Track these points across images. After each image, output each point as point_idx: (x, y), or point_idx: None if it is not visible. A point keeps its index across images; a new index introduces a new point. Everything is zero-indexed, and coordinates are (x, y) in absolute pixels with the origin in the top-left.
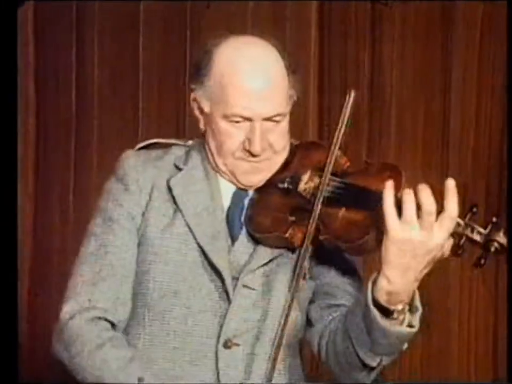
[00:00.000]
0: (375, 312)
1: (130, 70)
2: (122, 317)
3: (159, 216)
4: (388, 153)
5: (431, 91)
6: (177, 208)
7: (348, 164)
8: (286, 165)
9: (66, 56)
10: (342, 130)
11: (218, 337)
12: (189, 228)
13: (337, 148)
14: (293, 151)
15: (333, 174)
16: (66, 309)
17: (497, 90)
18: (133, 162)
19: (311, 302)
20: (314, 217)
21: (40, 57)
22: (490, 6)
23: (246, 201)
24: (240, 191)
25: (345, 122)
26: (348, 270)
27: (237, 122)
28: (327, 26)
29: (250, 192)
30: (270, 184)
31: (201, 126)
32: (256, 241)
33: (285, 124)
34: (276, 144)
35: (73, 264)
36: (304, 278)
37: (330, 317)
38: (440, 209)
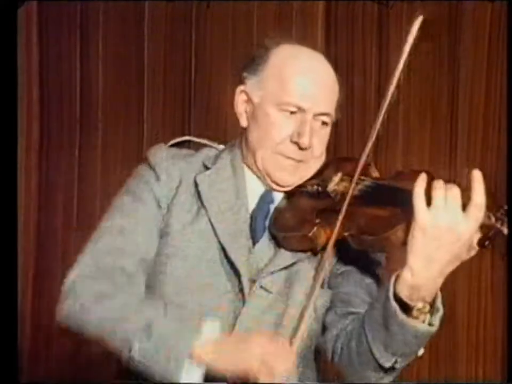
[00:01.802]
0: (394, 305)
1: (135, 71)
2: (136, 269)
3: (183, 212)
4: (395, 154)
5: (438, 92)
6: (201, 205)
7: (377, 173)
8: (319, 174)
9: (71, 58)
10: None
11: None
12: (212, 225)
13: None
14: (326, 163)
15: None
16: (75, 272)
17: (505, 91)
18: (165, 154)
19: (328, 309)
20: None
21: (44, 59)
22: (499, 5)
23: (272, 206)
24: (268, 195)
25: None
26: (367, 281)
27: (290, 113)
28: (334, 27)
29: (277, 198)
30: (298, 191)
31: (243, 121)
32: (278, 244)
33: (328, 130)
34: (316, 148)
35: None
36: (322, 286)
37: (347, 321)
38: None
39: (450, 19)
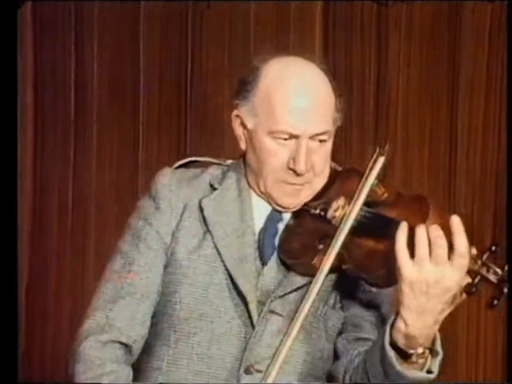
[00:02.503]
0: (391, 355)
1: (130, 72)
2: (138, 337)
3: (189, 237)
4: (394, 157)
5: (438, 93)
6: (207, 229)
7: (386, 194)
8: (324, 190)
9: (65, 59)
10: (379, 164)
11: (241, 362)
12: (217, 250)
13: (371, 178)
14: (333, 176)
15: (365, 203)
16: (84, 327)
17: (505, 92)
18: (167, 181)
19: (340, 333)
20: (335, 245)
21: (38, 60)
22: (499, 5)
23: (280, 225)
24: (275, 214)
25: (382, 159)
26: (377, 302)
27: (283, 139)
28: (332, 27)
29: (285, 216)
30: (305, 209)
31: (242, 144)
32: (287, 267)
33: (328, 146)
34: (317, 166)
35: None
36: (334, 307)
37: (356, 352)
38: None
39: (450, 19)
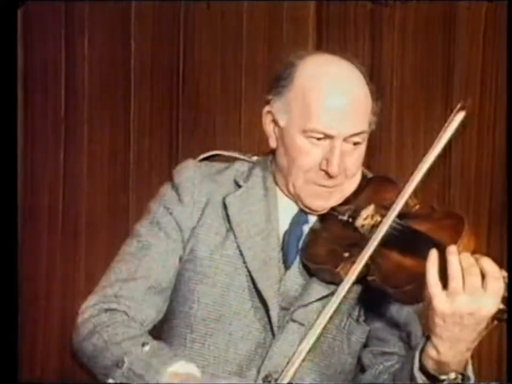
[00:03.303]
0: (420, 380)
1: (121, 70)
2: (146, 319)
3: (211, 234)
4: (388, 156)
5: (432, 93)
6: (230, 227)
7: (418, 206)
8: (353, 196)
9: (56, 58)
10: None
11: (259, 370)
12: (240, 251)
13: (449, 131)
14: (364, 182)
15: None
16: (92, 300)
17: (500, 92)
18: (191, 174)
19: (365, 346)
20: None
21: (28, 59)
22: (494, 6)
23: (305, 228)
24: (301, 216)
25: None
26: (403, 314)
27: (317, 139)
28: (325, 27)
29: (311, 219)
30: (332, 213)
31: (272, 142)
32: (309, 272)
33: (362, 148)
34: (350, 169)
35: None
36: (357, 320)
37: (382, 366)
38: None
39: (445, 18)
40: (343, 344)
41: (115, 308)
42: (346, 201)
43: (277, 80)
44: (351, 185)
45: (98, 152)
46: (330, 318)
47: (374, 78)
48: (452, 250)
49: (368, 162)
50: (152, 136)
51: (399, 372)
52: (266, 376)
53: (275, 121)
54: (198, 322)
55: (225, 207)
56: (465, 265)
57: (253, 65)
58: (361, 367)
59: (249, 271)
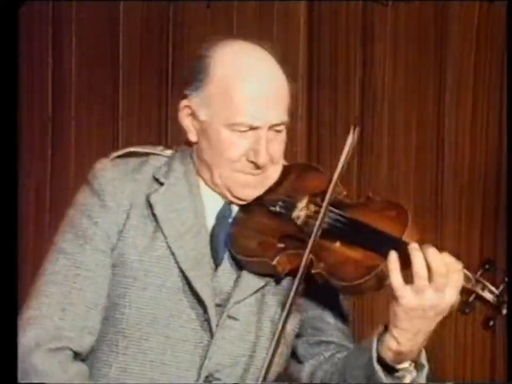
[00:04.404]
0: (380, 373)
1: (109, 68)
2: (88, 346)
3: (139, 236)
4: (380, 154)
5: (424, 91)
6: (157, 227)
7: (345, 193)
8: (277, 185)
9: (42, 56)
10: (344, 161)
11: (200, 371)
12: (171, 251)
13: (335, 177)
14: (285, 171)
15: (331, 204)
16: (32, 335)
17: (493, 91)
18: (110, 175)
19: (299, 336)
20: (309, 249)
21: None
22: (487, 5)
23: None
24: (226, 209)
25: (349, 154)
26: (337, 303)
27: (242, 131)
28: (317, 26)
29: (235, 209)
30: (258, 203)
31: (192, 136)
32: (240, 265)
33: (284, 134)
34: (275, 155)
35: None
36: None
37: (322, 357)
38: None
39: (437, 18)
40: (282, 336)
41: (57, 347)
42: (273, 191)
43: (192, 74)
44: (276, 171)
45: (86, 150)
46: (286, 318)
47: (365, 77)
48: (415, 247)
49: (360, 163)
50: (141, 135)
51: (347, 362)
52: (207, 377)
53: (194, 115)
54: (131, 327)
55: (150, 206)
56: (434, 266)
57: None
58: (297, 358)
59: (182, 271)
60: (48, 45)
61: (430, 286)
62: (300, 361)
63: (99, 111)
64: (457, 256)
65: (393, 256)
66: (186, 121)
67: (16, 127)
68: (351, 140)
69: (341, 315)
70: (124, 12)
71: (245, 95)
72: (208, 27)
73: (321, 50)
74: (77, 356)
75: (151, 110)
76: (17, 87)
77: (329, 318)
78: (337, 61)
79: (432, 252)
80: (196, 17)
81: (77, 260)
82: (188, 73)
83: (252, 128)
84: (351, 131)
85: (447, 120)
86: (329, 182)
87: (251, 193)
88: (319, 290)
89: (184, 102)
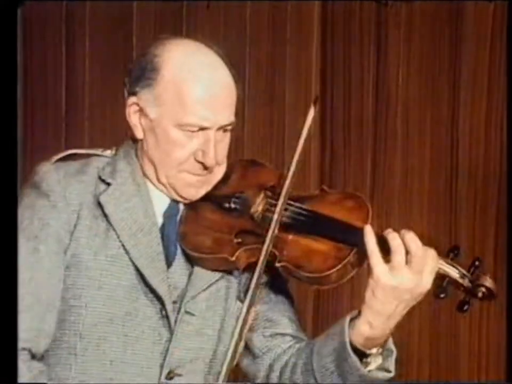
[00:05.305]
0: (355, 359)
1: (123, 70)
2: (43, 349)
3: (91, 236)
4: (394, 157)
5: (438, 92)
6: (109, 226)
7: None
8: (224, 182)
9: (56, 57)
10: (299, 151)
11: (161, 368)
12: (125, 249)
13: (292, 170)
14: (231, 167)
15: (288, 198)
16: None
17: (508, 91)
18: (55, 176)
19: (252, 329)
20: (269, 243)
21: (28, 58)
22: (501, 5)
23: (179, 218)
24: (173, 207)
25: (302, 143)
26: (287, 294)
27: (191, 131)
28: (330, 27)
29: (182, 207)
30: (207, 200)
31: (138, 133)
32: (193, 261)
33: (229, 134)
34: (221, 155)
35: None
36: (241, 300)
37: (280, 349)
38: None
39: (451, 18)
40: (231, 328)
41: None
42: (221, 188)
43: (141, 71)
44: (221, 171)
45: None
46: (248, 311)
47: (379, 77)
48: (392, 235)
49: (373, 161)
50: None
51: (314, 350)
52: (169, 373)
53: (142, 112)
54: (88, 328)
55: (100, 206)
56: (408, 245)
57: (256, 65)
58: (252, 352)
59: (137, 269)
60: (62, 45)
61: (407, 267)
62: (256, 356)
63: (112, 112)
64: (472, 255)
65: (368, 229)
66: (134, 118)
67: (16, 127)
68: (310, 121)
69: (291, 306)
70: (137, 12)
71: (196, 96)
72: (221, 28)
73: (335, 51)
74: (33, 358)
75: None
76: (17, 87)
77: (283, 310)
78: (351, 61)
79: (411, 235)
80: (209, 18)
81: (30, 262)
82: (136, 70)
83: (202, 128)
84: (310, 113)
85: (461, 120)
86: (280, 175)
87: (196, 193)
88: (273, 282)
89: (132, 99)
